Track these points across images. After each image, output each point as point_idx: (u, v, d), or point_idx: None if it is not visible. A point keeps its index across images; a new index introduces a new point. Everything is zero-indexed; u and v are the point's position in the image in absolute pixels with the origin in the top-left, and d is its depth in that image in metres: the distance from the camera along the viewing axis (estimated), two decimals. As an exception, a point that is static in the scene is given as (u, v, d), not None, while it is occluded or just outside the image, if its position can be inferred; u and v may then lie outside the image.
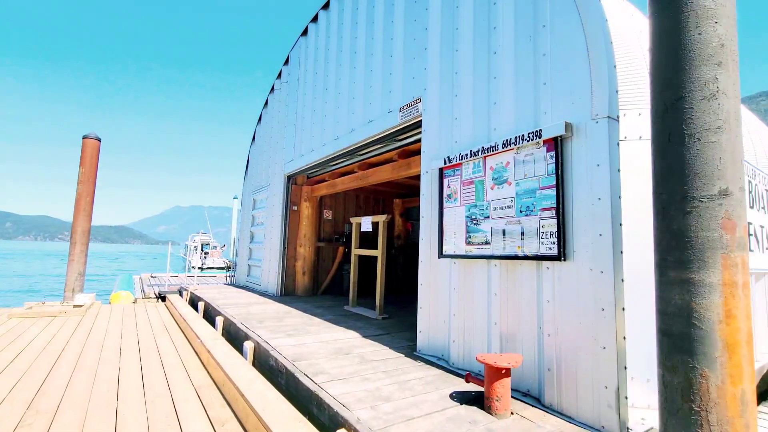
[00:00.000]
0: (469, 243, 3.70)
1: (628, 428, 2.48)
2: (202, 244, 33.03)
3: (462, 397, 2.96)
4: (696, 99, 2.17)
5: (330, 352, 4.14)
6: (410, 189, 10.42)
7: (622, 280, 2.58)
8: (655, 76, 2.31)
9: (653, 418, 2.61)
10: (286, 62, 9.45)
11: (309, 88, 8.01)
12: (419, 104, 4.60)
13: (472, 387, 3.16)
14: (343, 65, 6.67)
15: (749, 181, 4.21)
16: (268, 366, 4.07)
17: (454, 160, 3.90)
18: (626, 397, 2.48)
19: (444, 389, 3.14)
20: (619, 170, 2.67)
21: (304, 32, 8.55)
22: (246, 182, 11.89)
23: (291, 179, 8.89)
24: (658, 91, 2.28)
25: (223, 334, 5.81)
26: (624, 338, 2.53)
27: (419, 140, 4.68)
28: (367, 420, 2.53)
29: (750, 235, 4.11)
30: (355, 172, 7.27)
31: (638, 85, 3.07)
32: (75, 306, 7.48)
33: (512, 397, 2.95)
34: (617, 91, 2.75)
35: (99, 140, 8.90)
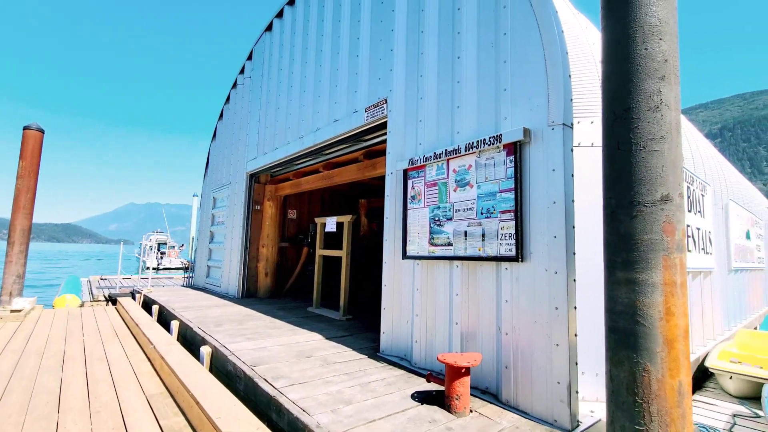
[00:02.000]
0: (432, 244, 3.74)
1: (578, 421, 2.60)
2: (159, 244, 31.43)
3: (423, 397, 2.99)
4: (642, 110, 2.31)
5: (291, 355, 4.05)
6: (377, 189, 10.43)
7: (575, 280, 2.70)
8: (606, 87, 2.44)
9: (601, 410, 2.76)
10: (250, 57, 9.17)
11: (273, 85, 7.81)
12: (385, 105, 4.61)
13: (434, 386, 3.20)
14: (309, 63, 6.56)
15: (688, 187, 4.55)
16: (225, 371, 3.92)
17: (419, 161, 3.94)
18: (577, 392, 2.60)
19: (406, 390, 3.16)
20: (572, 175, 2.79)
21: (269, 27, 8.34)
22: (206, 180, 11.43)
23: (254, 177, 8.63)
24: (608, 102, 2.41)
25: (178, 339, 5.55)
26: (575, 335, 2.65)
27: (384, 141, 4.69)
28: (328, 424, 2.50)
29: (688, 237, 4.44)
30: (321, 171, 7.18)
31: (591, 94, 3.24)
32: (12, 311, 6.86)
33: (472, 395, 3.01)
34: (572, 100, 2.88)
35: (42, 131, 8.23)
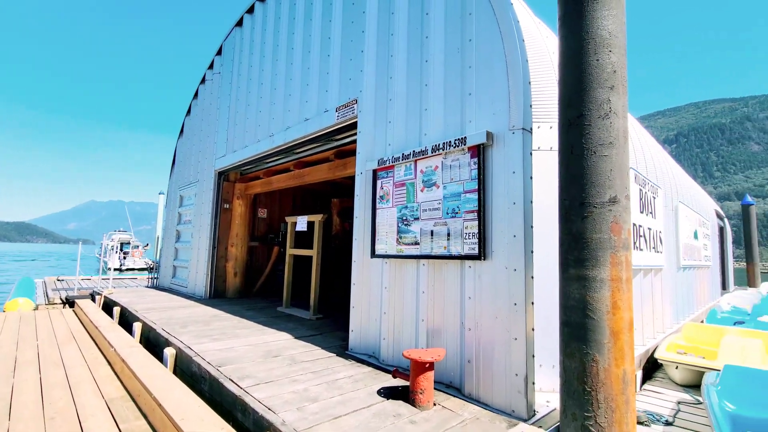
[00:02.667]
0: (400, 243, 3.82)
1: (534, 411, 2.74)
2: (122, 243, 30.06)
3: (389, 393, 3.05)
4: (593, 117, 2.46)
5: (259, 355, 4.02)
6: (349, 189, 10.44)
7: (532, 277, 2.84)
8: (562, 94, 2.59)
9: (556, 400, 2.91)
10: (219, 52, 8.96)
11: (243, 82, 7.68)
12: (355, 105, 4.64)
13: (399, 382, 3.27)
14: (280, 60, 6.50)
15: (640, 189, 4.84)
16: (190, 373, 3.85)
17: (388, 162, 4.00)
18: (533, 383, 2.74)
19: (372, 386, 3.21)
20: (531, 177, 2.93)
21: (239, 23, 8.18)
22: (173, 177, 11.06)
23: (223, 175, 8.45)
24: (563, 108, 2.56)
25: (141, 342, 5.36)
26: (533, 330, 2.79)
27: (355, 141, 4.73)
28: (293, 422, 2.51)
29: (641, 236, 4.73)
30: (292, 170, 7.12)
31: (550, 100, 3.40)
32: (-46, 315, 6.41)
33: (436, 389, 3.10)
34: (531, 106, 3.03)
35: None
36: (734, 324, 6.18)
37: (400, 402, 2.90)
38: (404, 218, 3.80)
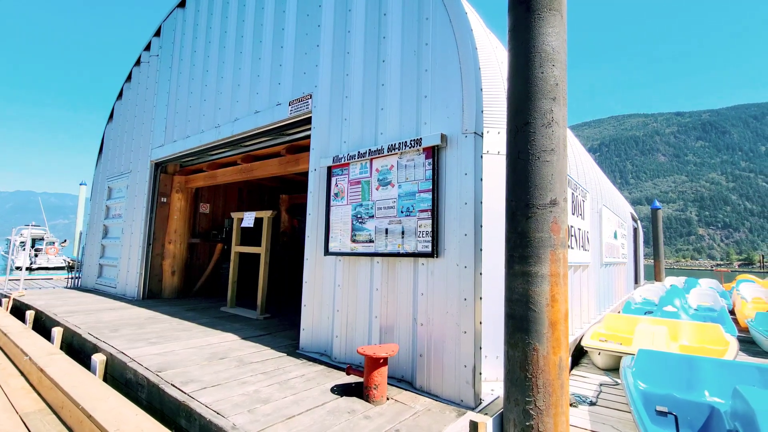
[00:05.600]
0: (354, 241, 3.84)
1: (480, 399, 2.92)
2: (34, 240, 26.66)
3: (343, 390, 3.07)
4: (538, 125, 2.67)
5: (203, 358, 3.82)
6: (299, 185, 10.21)
7: (481, 274, 3.01)
8: (510, 102, 2.76)
9: (500, 388, 3.12)
10: (158, 33, 8.30)
11: (186, 67, 7.19)
12: (309, 100, 4.57)
13: (353, 378, 3.30)
14: (228, 48, 6.18)
15: (572, 193, 5.31)
16: (124, 380, 3.55)
17: (343, 159, 4.00)
18: (480, 373, 2.91)
19: (326, 384, 3.21)
20: (481, 179, 3.10)
21: (182, 3, 7.64)
22: (99, 167, 10.05)
23: (160, 167, 7.84)
24: (512, 115, 2.74)
25: (62, 349, 4.83)
26: (480, 323, 2.96)
27: (308, 136, 4.65)
28: (244, 425, 2.44)
29: (572, 236, 5.19)
30: (239, 164, 6.81)
31: (499, 107, 3.62)
32: None
33: (389, 383, 3.17)
34: (483, 111, 3.20)
35: None
36: (645, 314, 7.01)
37: (354, 398, 2.92)
38: (359, 216, 3.82)
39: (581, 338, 5.16)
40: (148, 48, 8.59)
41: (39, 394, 3.49)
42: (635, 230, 12.70)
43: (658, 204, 18.62)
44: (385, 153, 3.63)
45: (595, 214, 6.83)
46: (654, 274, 17.30)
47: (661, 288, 9.68)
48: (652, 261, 17.66)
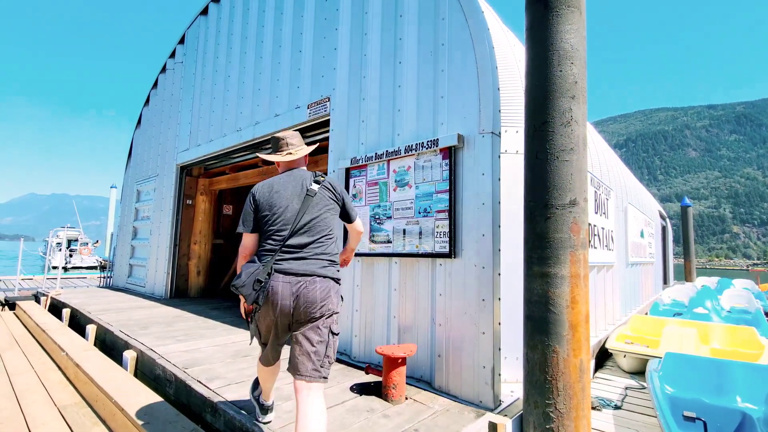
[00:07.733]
0: (372, 241, 3.87)
1: (500, 401, 2.90)
2: (69, 240, 27.97)
3: (362, 388, 3.11)
4: (556, 124, 2.63)
5: (228, 355, 3.94)
6: (317, 186, 10.33)
7: (499, 274, 2.99)
8: (528, 101, 2.74)
9: (520, 390, 3.09)
10: (182, 41, 8.57)
11: (209, 73, 7.40)
12: (328, 103, 4.63)
13: (372, 378, 3.34)
14: (248, 53, 6.33)
15: (595, 192, 5.18)
16: (154, 376, 3.71)
17: (361, 161, 4.04)
18: (499, 374, 2.90)
19: (345, 382, 3.25)
20: (499, 179, 3.08)
21: (204, 11, 7.87)
22: (129, 170, 10.47)
23: (185, 170, 8.11)
24: (530, 115, 2.71)
25: (96, 345, 5.08)
26: (499, 324, 2.95)
27: (327, 138, 4.72)
28: (267, 420, 2.51)
29: (595, 235, 5.07)
30: (260, 166, 6.98)
31: (517, 106, 3.57)
32: None
33: (407, 383, 3.19)
34: (500, 111, 3.17)
35: None
36: (674, 315, 6.77)
37: (373, 397, 2.96)
38: (377, 217, 3.86)
39: (606, 340, 5.04)
40: (173, 55, 8.89)
41: (75, 388, 3.68)
42: (664, 229, 12.25)
43: (688, 201, 17.89)
44: (402, 154, 3.65)
45: (620, 212, 6.64)
46: (684, 274, 16.63)
47: (692, 289, 9.30)
48: (683, 260, 16.99)
